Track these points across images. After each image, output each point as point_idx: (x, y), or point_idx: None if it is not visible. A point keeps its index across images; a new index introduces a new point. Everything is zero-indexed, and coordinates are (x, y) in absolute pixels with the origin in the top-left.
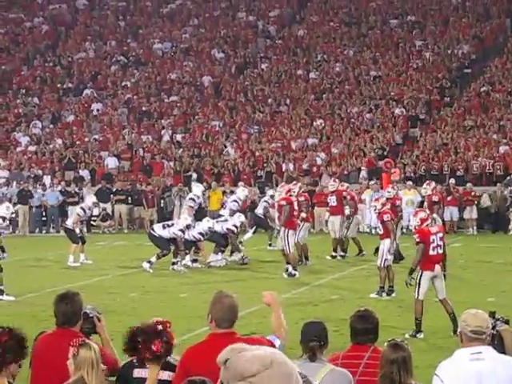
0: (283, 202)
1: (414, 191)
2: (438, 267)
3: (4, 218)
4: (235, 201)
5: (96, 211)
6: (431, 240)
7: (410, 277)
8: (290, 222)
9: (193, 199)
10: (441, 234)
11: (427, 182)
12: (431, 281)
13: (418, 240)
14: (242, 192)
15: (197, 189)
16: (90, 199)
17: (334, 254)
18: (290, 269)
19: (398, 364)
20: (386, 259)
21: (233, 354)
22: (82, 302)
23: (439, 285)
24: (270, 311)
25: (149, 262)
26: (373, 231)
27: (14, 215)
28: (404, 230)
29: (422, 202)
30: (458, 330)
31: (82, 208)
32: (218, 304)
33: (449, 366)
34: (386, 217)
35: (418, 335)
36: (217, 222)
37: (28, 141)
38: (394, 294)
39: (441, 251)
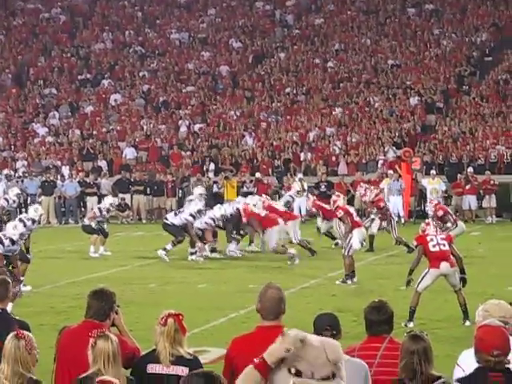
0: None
1: (437, 180)
2: (445, 265)
3: (34, 221)
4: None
5: (115, 201)
6: (429, 239)
7: (409, 276)
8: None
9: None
10: (442, 235)
11: (429, 201)
12: (445, 279)
13: (415, 244)
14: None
15: (198, 190)
16: (107, 200)
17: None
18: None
19: (419, 354)
20: (351, 248)
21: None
22: (115, 301)
23: (451, 281)
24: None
25: (164, 249)
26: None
27: (42, 216)
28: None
29: (446, 191)
30: (479, 319)
31: (99, 208)
32: (263, 296)
33: (471, 355)
34: (338, 213)
35: (408, 324)
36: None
37: (46, 131)
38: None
39: (444, 248)
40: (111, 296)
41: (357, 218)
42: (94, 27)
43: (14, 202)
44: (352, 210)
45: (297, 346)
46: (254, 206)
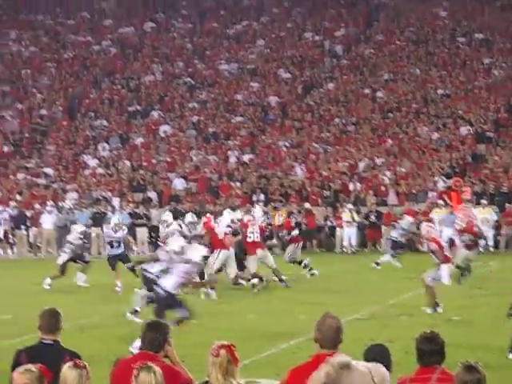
0: None
1: (488, 209)
2: None
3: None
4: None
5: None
6: None
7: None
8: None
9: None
10: None
11: None
12: None
13: None
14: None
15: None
16: (113, 219)
17: None
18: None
19: None
20: (434, 279)
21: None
22: (169, 332)
23: None
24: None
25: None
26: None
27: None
28: (481, 249)
29: (497, 221)
30: None
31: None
32: (321, 325)
33: None
34: (432, 246)
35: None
36: None
37: (96, 163)
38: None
39: None
40: (165, 327)
41: (447, 253)
42: (144, 59)
43: (80, 239)
44: (443, 243)
45: (337, 370)
46: (216, 222)
